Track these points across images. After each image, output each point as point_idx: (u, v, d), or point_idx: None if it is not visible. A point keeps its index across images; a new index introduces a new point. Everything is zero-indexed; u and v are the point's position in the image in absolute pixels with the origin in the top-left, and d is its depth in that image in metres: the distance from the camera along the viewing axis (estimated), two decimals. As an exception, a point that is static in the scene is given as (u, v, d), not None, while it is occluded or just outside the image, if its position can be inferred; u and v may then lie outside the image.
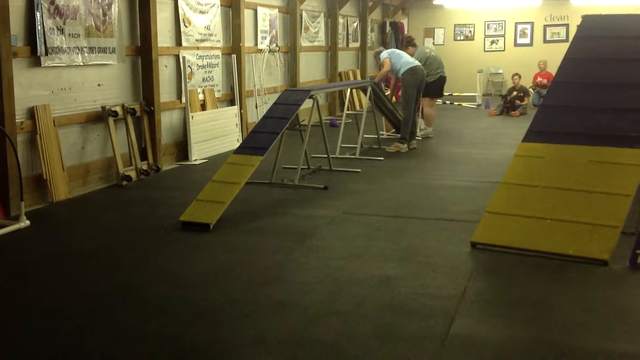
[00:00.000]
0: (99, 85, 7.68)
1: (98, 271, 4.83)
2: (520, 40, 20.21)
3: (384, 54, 10.28)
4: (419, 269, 4.77)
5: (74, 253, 5.25)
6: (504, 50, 20.36)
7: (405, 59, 10.02)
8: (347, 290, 4.35)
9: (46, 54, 6.76)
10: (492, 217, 5.32)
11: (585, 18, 6.76)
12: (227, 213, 5.98)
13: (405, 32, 19.50)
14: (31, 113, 6.69)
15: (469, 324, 3.84)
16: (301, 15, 13.25)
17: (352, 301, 4.17)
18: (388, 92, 11.16)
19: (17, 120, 6.43)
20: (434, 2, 19.15)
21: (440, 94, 11.56)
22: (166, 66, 9.01)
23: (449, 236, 5.56)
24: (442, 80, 11.10)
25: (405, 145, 9.84)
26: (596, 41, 6.41)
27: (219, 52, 10.26)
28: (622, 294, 4.33)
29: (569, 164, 5.42)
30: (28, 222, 5.93)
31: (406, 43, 11.37)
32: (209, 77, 10.00)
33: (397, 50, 10.50)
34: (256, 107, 11.36)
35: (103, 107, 7.64)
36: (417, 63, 10.03)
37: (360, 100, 15.08)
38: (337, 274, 4.66)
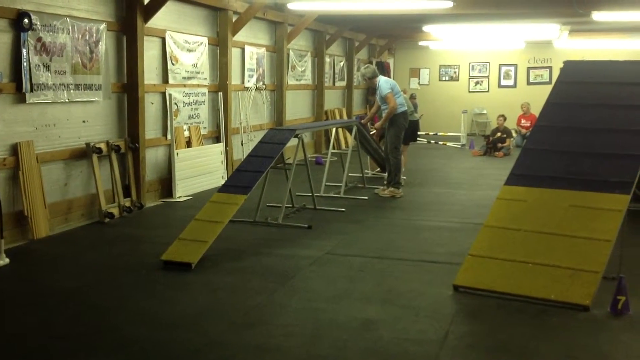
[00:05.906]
0: (83, 121, 7.67)
1: (77, 311, 4.77)
2: (504, 82, 20.49)
3: (385, 86, 9.39)
4: (401, 312, 4.75)
5: (53, 292, 5.18)
6: (488, 91, 20.61)
7: (401, 99, 9.46)
8: (328, 334, 4.32)
9: (31, 90, 6.75)
10: (474, 260, 5.33)
11: (567, 63, 6.88)
12: (209, 252, 5.95)
13: (391, 73, 19.73)
14: (14, 149, 6.66)
15: (451, 370, 3.81)
16: (288, 54, 13.37)
17: (334, 345, 4.14)
18: (373, 132, 10.88)
19: None
20: (420, 43, 19.41)
21: (415, 139, 11.55)
22: (152, 103, 9.02)
23: (431, 278, 5.56)
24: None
25: (400, 190, 9.54)
26: (578, 86, 6.51)
27: (205, 90, 10.30)
28: (603, 340, 4.32)
29: (551, 208, 5.45)
30: (7, 260, 5.87)
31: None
32: (195, 114, 10.02)
33: (393, 82, 9.76)
34: (242, 145, 11.38)
35: (87, 144, 7.62)
36: (406, 106, 9.66)
37: (345, 139, 15.15)
38: (319, 317, 4.63)
